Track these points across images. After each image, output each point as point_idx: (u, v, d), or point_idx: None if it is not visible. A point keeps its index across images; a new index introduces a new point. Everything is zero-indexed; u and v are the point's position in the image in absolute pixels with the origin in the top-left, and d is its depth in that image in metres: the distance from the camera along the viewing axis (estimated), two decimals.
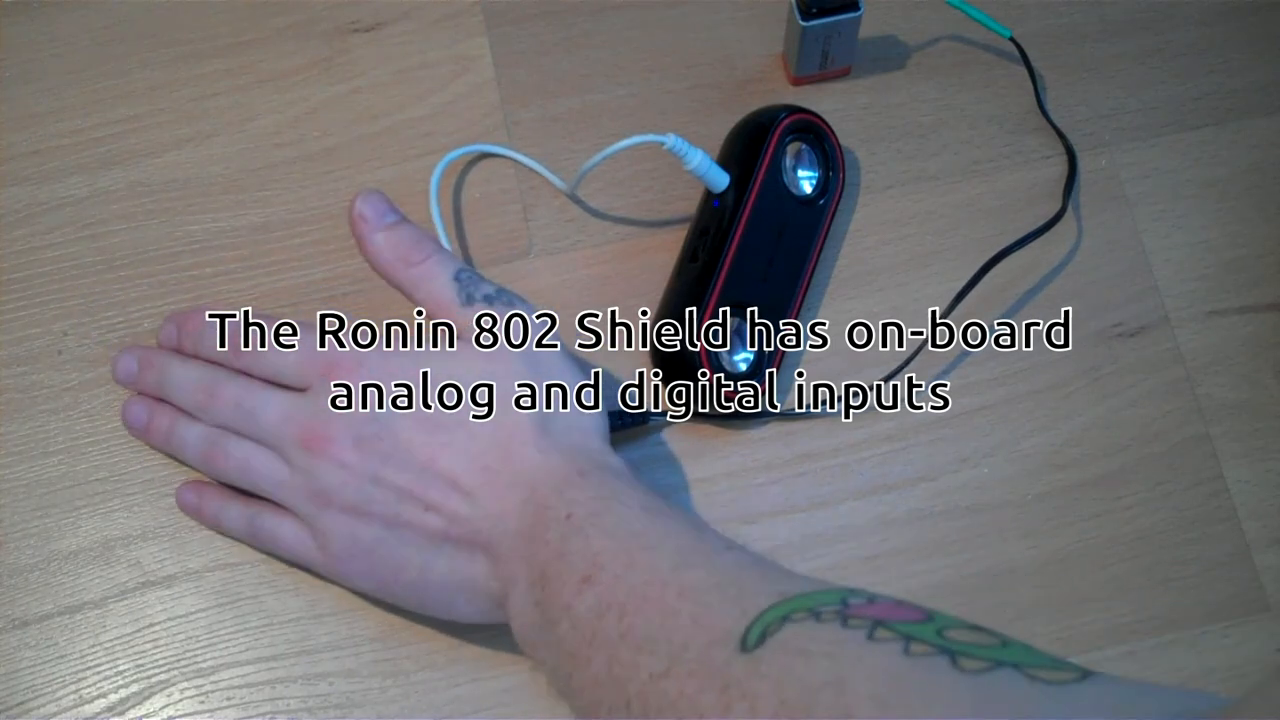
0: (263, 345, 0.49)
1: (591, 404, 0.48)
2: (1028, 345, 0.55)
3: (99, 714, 0.50)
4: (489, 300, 0.47)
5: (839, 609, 0.37)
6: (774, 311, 0.54)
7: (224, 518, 0.51)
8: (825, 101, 0.58)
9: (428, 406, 0.46)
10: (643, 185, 0.57)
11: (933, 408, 0.55)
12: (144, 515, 0.52)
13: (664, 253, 0.56)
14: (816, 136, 0.56)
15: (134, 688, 0.51)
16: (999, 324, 0.56)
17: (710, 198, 0.54)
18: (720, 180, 0.54)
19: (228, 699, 0.50)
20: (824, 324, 0.56)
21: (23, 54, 0.58)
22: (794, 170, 0.55)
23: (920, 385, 0.55)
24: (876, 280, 0.56)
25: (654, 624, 0.40)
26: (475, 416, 0.46)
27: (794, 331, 0.55)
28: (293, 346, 0.48)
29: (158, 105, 0.58)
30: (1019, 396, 0.55)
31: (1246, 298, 0.56)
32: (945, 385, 0.55)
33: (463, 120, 0.58)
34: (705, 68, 0.59)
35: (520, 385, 0.46)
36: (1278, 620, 0.53)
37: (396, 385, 0.46)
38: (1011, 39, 0.57)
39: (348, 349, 0.47)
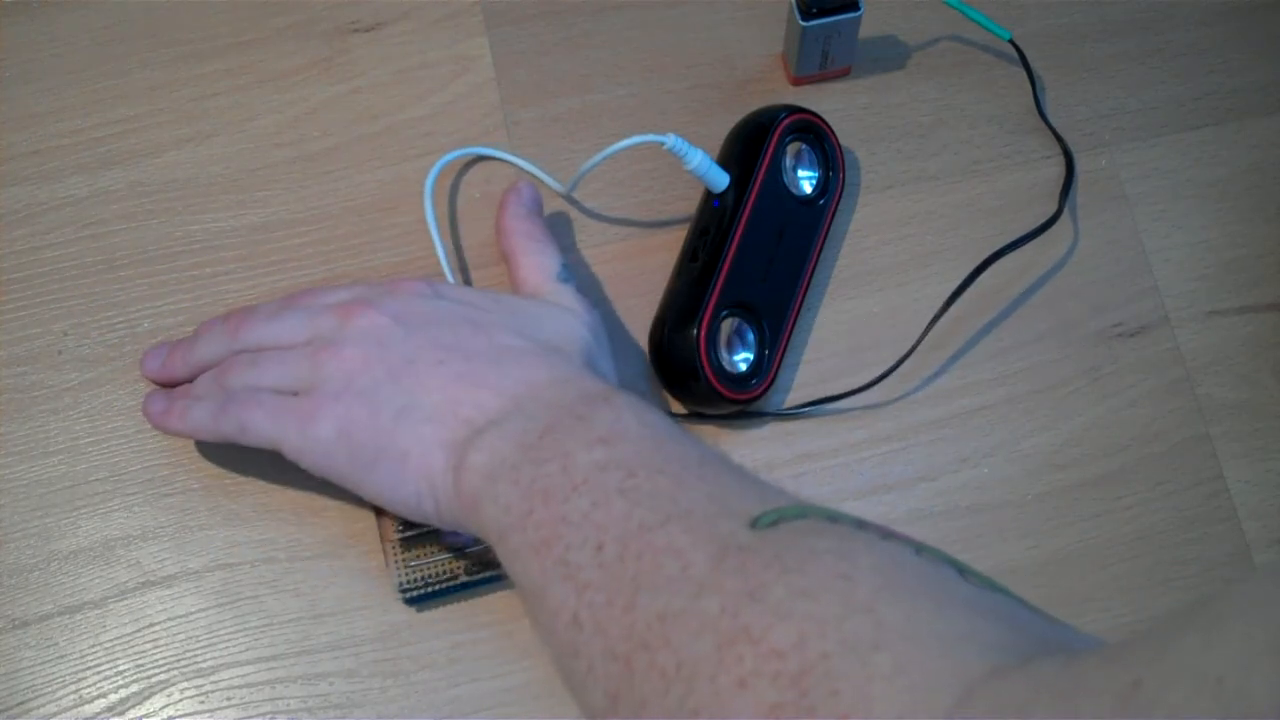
0: (316, 291, 0.51)
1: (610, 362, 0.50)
2: (1028, 345, 0.56)
3: (99, 714, 0.50)
4: (579, 291, 0.51)
5: (856, 520, 0.37)
6: (774, 311, 0.54)
7: (194, 409, 0.49)
8: (825, 101, 0.58)
9: (485, 313, 0.48)
10: (643, 185, 0.57)
11: (933, 408, 0.55)
12: (144, 515, 0.52)
13: (664, 253, 0.56)
14: (816, 136, 0.56)
15: (134, 688, 0.51)
16: (999, 324, 0.56)
17: (710, 198, 0.54)
18: (720, 180, 0.54)
19: (228, 699, 0.50)
20: (824, 324, 0.56)
21: (23, 54, 0.58)
22: (794, 170, 0.55)
23: (920, 385, 0.55)
24: (876, 280, 0.56)
25: (662, 489, 0.38)
26: (527, 337, 0.47)
27: (793, 331, 0.55)
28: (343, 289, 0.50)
29: (158, 105, 0.58)
30: (1019, 396, 0.55)
31: (1246, 298, 0.57)
32: (945, 385, 0.55)
33: (462, 120, 0.58)
34: (705, 68, 0.59)
35: (578, 341, 0.48)
36: None
37: (461, 294, 0.49)
38: (1010, 41, 0.57)
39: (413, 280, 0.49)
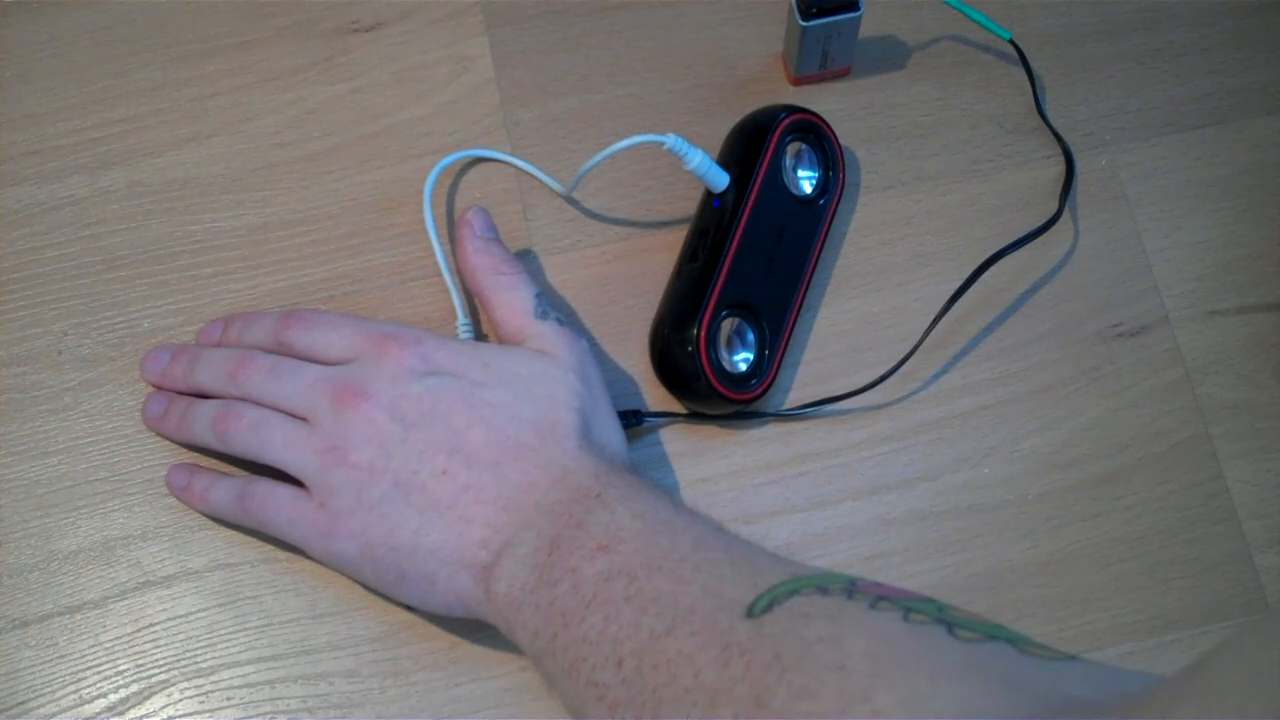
0: (314, 323, 0.50)
1: (621, 437, 0.50)
2: (1028, 345, 0.56)
3: (99, 714, 0.50)
4: (559, 323, 0.50)
5: (846, 587, 0.39)
6: (774, 311, 0.54)
7: (213, 492, 0.50)
8: (825, 101, 0.58)
9: (477, 389, 0.47)
10: (643, 185, 0.57)
11: (933, 408, 0.55)
12: (144, 515, 0.52)
13: (664, 253, 0.56)
14: (816, 136, 0.56)
15: (134, 688, 0.51)
16: (999, 324, 0.56)
17: (710, 198, 0.54)
18: (720, 180, 0.54)
19: (228, 699, 0.50)
20: (824, 324, 0.56)
21: (23, 54, 0.58)
22: (794, 170, 0.55)
23: (920, 385, 0.55)
24: (876, 280, 0.56)
25: (664, 591, 0.41)
26: (521, 406, 0.47)
27: (793, 331, 0.55)
28: (345, 325, 0.49)
29: (158, 105, 0.58)
30: (1019, 396, 0.55)
31: (1246, 298, 0.57)
32: (945, 385, 0.55)
33: (462, 120, 0.58)
34: (705, 68, 0.59)
35: (570, 393, 0.48)
36: None
37: (450, 363, 0.48)
38: (1010, 41, 0.57)
39: (405, 330, 0.49)
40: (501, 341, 0.51)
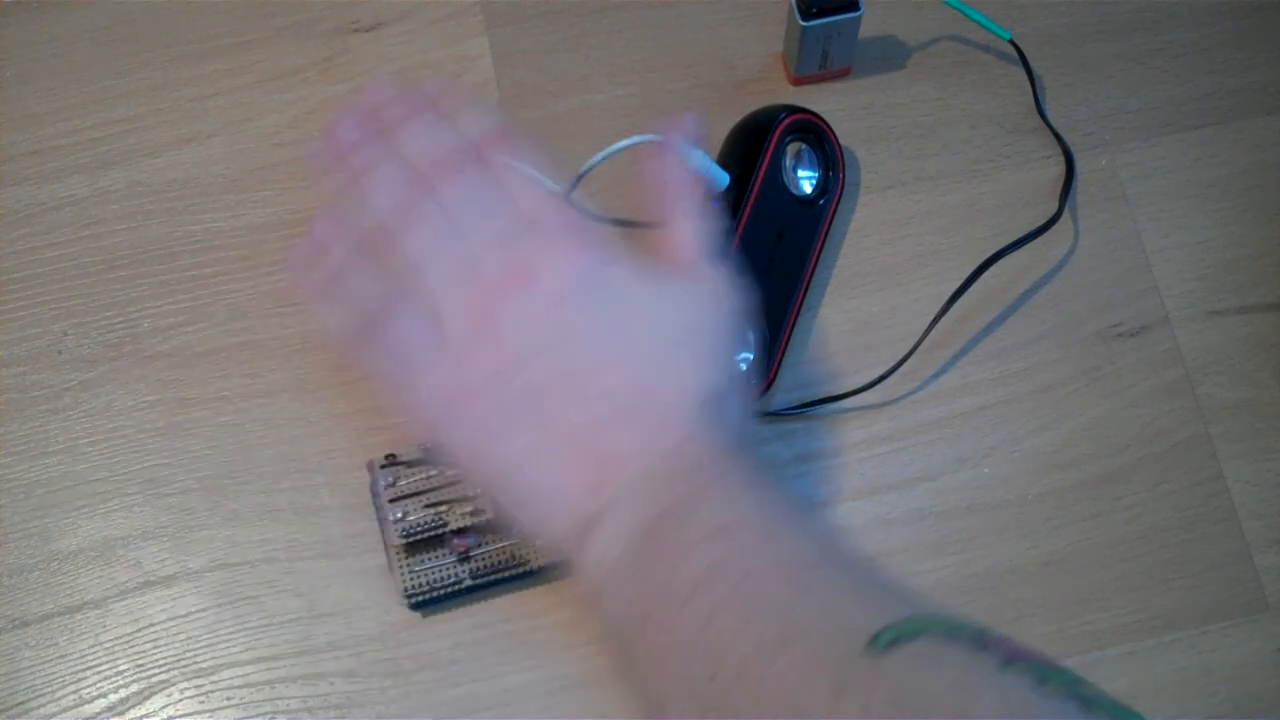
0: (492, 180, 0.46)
1: (747, 410, 0.47)
2: (1028, 345, 0.56)
3: (99, 714, 0.50)
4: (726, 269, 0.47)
5: (976, 635, 0.36)
6: (774, 311, 0.54)
7: (353, 280, 0.45)
8: (825, 101, 0.58)
9: (638, 315, 0.44)
10: (643, 185, 0.57)
11: (933, 408, 0.55)
12: (144, 515, 0.52)
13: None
14: (816, 136, 0.56)
15: (134, 688, 0.51)
16: (999, 324, 0.56)
17: (710, 198, 0.54)
18: (720, 180, 0.53)
19: (228, 699, 0.50)
20: (824, 324, 0.56)
21: (23, 54, 0.58)
22: (794, 170, 0.55)
23: (920, 385, 0.55)
24: (876, 280, 0.56)
25: (780, 597, 0.37)
26: (674, 344, 0.44)
27: (794, 331, 0.55)
28: (502, 194, 0.46)
29: (158, 105, 0.58)
30: (1019, 396, 0.55)
31: (1246, 298, 0.57)
32: (945, 385, 0.55)
33: None
34: (705, 68, 0.59)
35: (723, 343, 0.45)
36: (1278, 620, 0.53)
37: (620, 279, 0.45)
38: (1010, 41, 0.57)
39: (589, 229, 0.46)
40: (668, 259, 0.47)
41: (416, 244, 0.45)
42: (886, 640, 0.35)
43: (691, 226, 0.47)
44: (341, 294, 0.46)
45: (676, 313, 0.45)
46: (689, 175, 0.48)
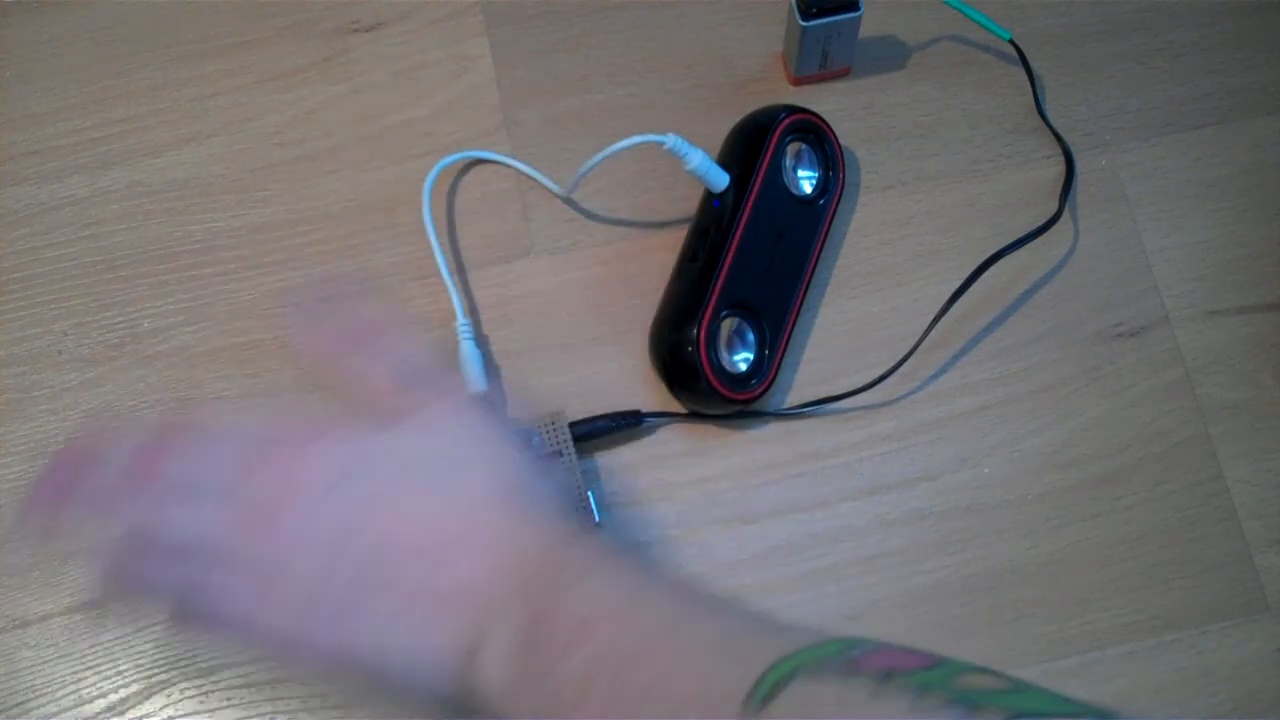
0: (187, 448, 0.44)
1: (543, 476, 0.45)
2: (1028, 345, 0.56)
3: (99, 714, 0.50)
4: (427, 380, 0.45)
5: (845, 661, 0.35)
6: (774, 311, 0.54)
7: (155, 576, 0.44)
8: (825, 101, 0.58)
9: (389, 485, 0.43)
10: (643, 185, 0.57)
11: (933, 408, 0.55)
12: None
13: (664, 253, 0.56)
14: (816, 136, 0.56)
15: (134, 688, 0.51)
16: (999, 324, 0.56)
17: (710, 198, 0.54)
18: (720, 180, 0.54)
19: (228, 699, 0.50)
20: (824, 324, 0.56)
21: (23, 54, 0.58)
22: (794, 170, 0.55)
23: (921, 385, 0.55)
24: (876, 280, 0.56)
25: (652, 681, 0.38)
26: (438, 493, 0.43)
27: (793, 331, 0.55)
28: (221, 447, 0.44)
29: (158, 105, 0.58)
30: (1019, 396, 0.55)
31: (1246, 298, 0.57)
32: (945, 385, 0.55)
33: (462, 120, 0.58)
34: (705, 68, 0.59)
35: (487, 462, 0.44)
36: (1278, 620, 0.53)
37: (351, 468, 0.43)
38: (1010, 41, 0.57)
39: (292, 433, 0.44)
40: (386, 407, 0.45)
41: (174, 524, 0.42)
42: (761, 696, 0.35)
43: (381, 369, 0.45)
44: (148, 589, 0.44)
45: (432, 444, 0.44)
46: (350, 320, 0.46)
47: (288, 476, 0.42)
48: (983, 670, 0.34)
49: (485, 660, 0.41)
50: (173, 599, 0.43)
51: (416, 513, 0.42)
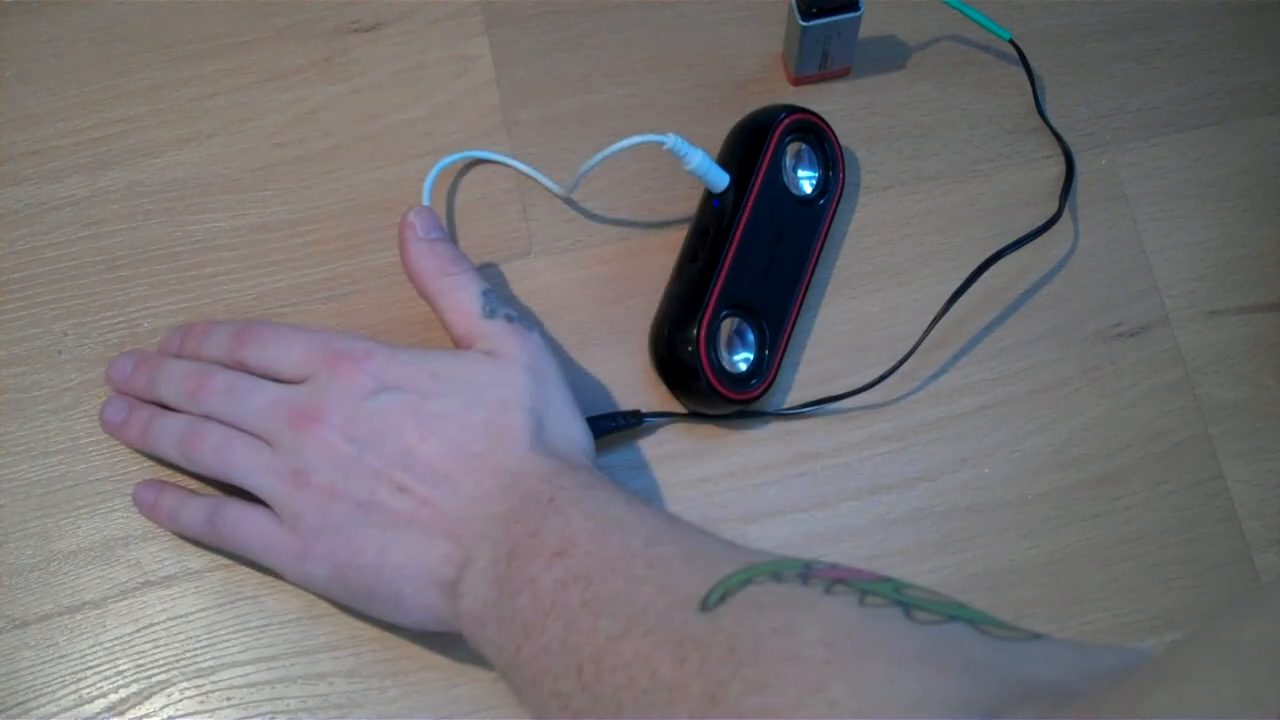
0: (268, 340, 0.49)
1: (582, 428, 0.49)
2: (1027, 345, 0.56)
3: (99, 714, 0.50)
4: (509, 319, 0.49)
5: (800, 571, 0.38)
6: (774, 311, 0.54)
7: (183, 512, 0.50)
8: (825, 101, 0.58)
9: (426, 400, 0.47)
10: (643, 185, 0.57)
11: (933, 408, 0.55)
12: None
13: (664, 253, 0.56)
14: (816, 136, 0.56)
15: (134, 688, 0.51)
16: (999, 324, 0.56)
17: (710, 198, 0.54)
18: (720, 180, 0.54)
19: (228, 699, 0.50)
20: (824, 324, 0.56)
21: (23, 54, 0.58)
22: (794, 170, 0.55)
23: (920, 385, 0.55)
24: (876, 280, 0.56)
25: (618, 591, 0.40)
26: (471, 413, 0.47)
27: (793, 331, 0.55)
28: (298, 341, 0.49)
29: (158, 105, 0.58)
30: (1019, 396, 0.55)
31: (1246, 298, 0.57)
32: (945, 385, 0.55)
33: (462, 120, 0.58)
34: (705, 68, 0.59)
35: (520, 393, 0.47)
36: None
37: (399, 378, 0.47)
38: (1010, 41, 0.57)
39: (356, 344, 0.48)
40: (454, 345, 0.50)
41: (208, 459, 0.49)
42: (717, 597, 0.38)
43: (453, 302, 0.50)
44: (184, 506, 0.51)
45: (465, 372, 0.48)
46: (439, 253, 0.50)
47: (339, 381, 0.47)
48: (930, 591, 0.38)
49: (468, 580, 0.44)
50: (200, 518, 0.49)
51: (443, 429, 0.46)
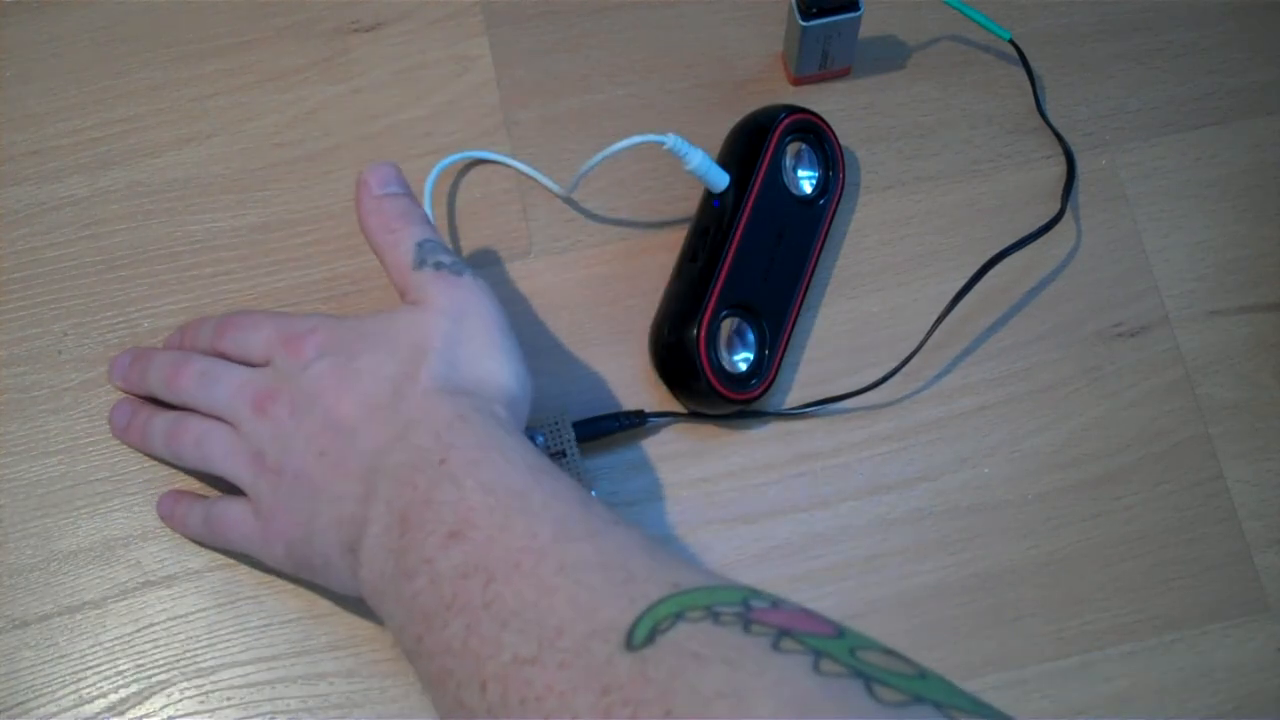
0: (243, 326, 0.50)
1: (504, 364, 0.46)
2: (1027, 345, 0.56)
3: (99, 714, 0.50)
4: (439, 266, 0.47)
5: (740, 611, 0.34)
6: (774, 311, 0.54)
7: (189, 517, 0.51)
8: (825, 101, 0.58)
9: (352, 360, 0.46)
10: (643, 185, 0.57)
11: (933, 408, 0.55)
12: (144, 515, 0.52)
13: (664, 253, 0.56)
14: (816, 136, 0.56)
15: (134, 688, 0.51)
16: (999, 324, 0.56)
17: (710, 198, 0.54)
18: (720, 180, 0.54)
19: (228, 699, 0.50)
20: (824, 324, 0.56)
21: (23, 54, 0.58)
22: (794, 170, 0.55)
23: (921, 385, 0.55)
24: (876, 280, 0.56)
25: (525, 599, 0.37)
26: (385, 365, 0.45)
27: (794, 331, 0.55)
28: (265, 325, 0.49)
29: (158, 105, 0.58)
30: (1019, 396, 0.55)
31: (1246, 298, 0.57)
32: (945, 385, 0.55)
33: (462, 120, 0.58)
34: (705, 68, 0.59)
35: (432, 335, 0.45)
36: (1278, 620, 0.53)
37: (334, 344, 0.47)
38: (1010, 41, 0.57)
39: (307, 322, 0.48)
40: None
41: (189, 452, 0.49)
42: (644, 633, 0.34)
43: (391, 257, 0.48)
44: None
45: (388, 326, 0.47)
46: (384, 209, 0.49)
47: (290, 359, 0.47)
48: (888, 651, 0.33)
49: (366, 546, 0.43)
50: (203, 511, 0.50)
51: (357, 384, 0.45)
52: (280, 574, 0.51)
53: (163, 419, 0.51)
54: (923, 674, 0.32)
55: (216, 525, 0.49)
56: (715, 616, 0.34)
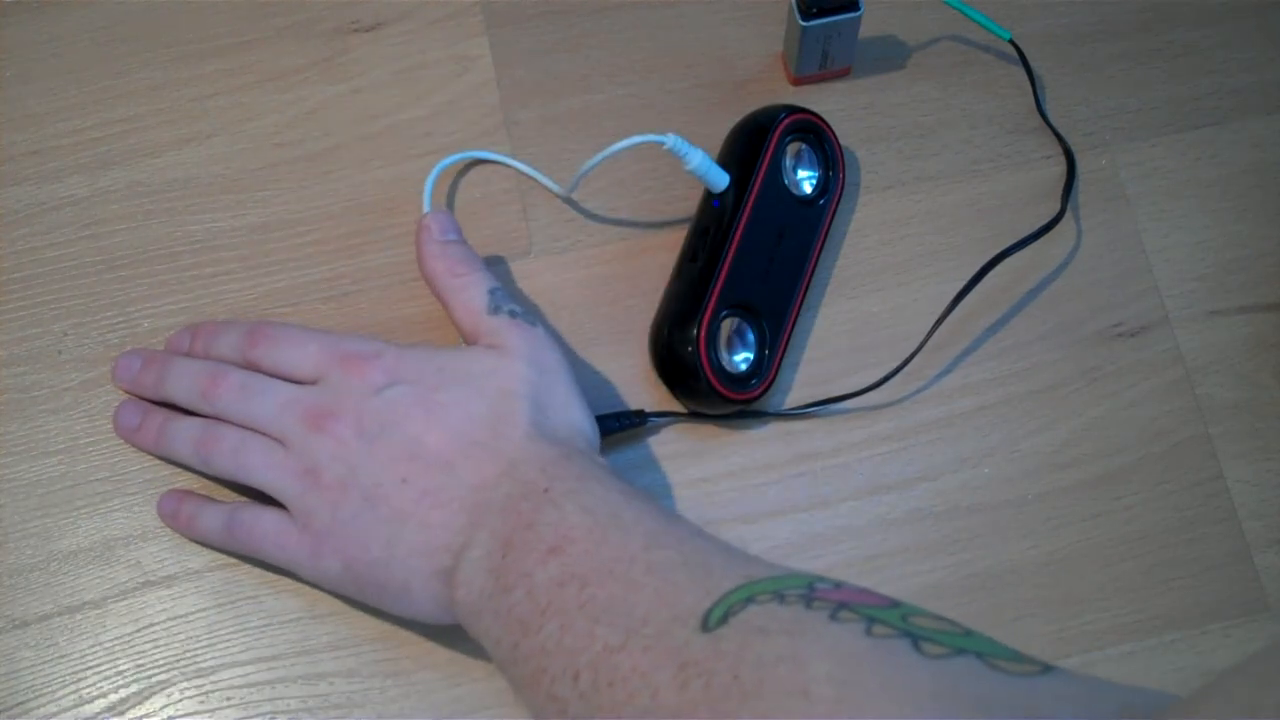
0: (281, 340, 0.50)
1: (585, 416, 0.49)
2: (1028, 345, 0.56)
3: (99, 714, 0.50)
4: (513, 315, 0.50)
5: (804, 592, 0.38)
6: (774, 311, 0.54)
7: (201, 518, 0.51)
8: (825, 101, 0.58)
9: (433, 391, 0.48)
10: (643, 185, 0.57)
11: (933, 408, 0.55)
12: (144, 515, 0.52)
13: (664, 253, 0.56)
14: (816, 136, 0.56)
15: (134, 688, 0.51)
16: (999, 324, 0.56)
17: (710, 198, 0.54)
18: (720, 180, 0.54)
19: (228, 699, 0.50)
20: (824, 324, 0.56)
21: (23, 54, 0.58)
22: (794, 170, 0.55)
23: (921, 385, 0.55)
24: (876, 280, 0.56)
25: (616, 597, 0.40)
26: (474, 403, 0.47)
27: (793, 331, 0.55)
28: (311, 342, 0.50)
29: (158, 105, 0.58)
30: (1019, 396, 0.55)
31: (1246, 298, 0.57)
32: (945, 385, 0.55)
33: (462, 120, 0.58)
34: (705, 68, 0.59)
35: (521, 382, 0.48)
36: (1278, 620, 0.53)
37: (407, 373, 0.48)
38: (1010, 41, 0.57)
39: (368, 344, 0.49)
40: (463, 342, 0.51)
41: (224, 460, 0.49)
42: (718, 616, 0.37)
43: (461, 300, 0.50)
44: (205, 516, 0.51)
45: (469, 365, 0.48)
46: (450, 255, 0.51)
47: (351, 379, 0.48)
48: (938, 617, 0.37)
49: (464, 570, 0.45)
50: (224, 515, 0.50)
51: (447, 418, 0.47)
52: (284, 573, 0.51)
53: (190, 425, 0.50)
54: (968, 632, 0.36)
55: (242, 532, 0.49)
56: (781, 598, 0.37)
